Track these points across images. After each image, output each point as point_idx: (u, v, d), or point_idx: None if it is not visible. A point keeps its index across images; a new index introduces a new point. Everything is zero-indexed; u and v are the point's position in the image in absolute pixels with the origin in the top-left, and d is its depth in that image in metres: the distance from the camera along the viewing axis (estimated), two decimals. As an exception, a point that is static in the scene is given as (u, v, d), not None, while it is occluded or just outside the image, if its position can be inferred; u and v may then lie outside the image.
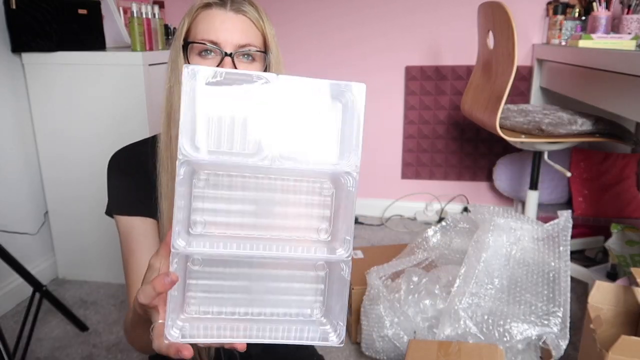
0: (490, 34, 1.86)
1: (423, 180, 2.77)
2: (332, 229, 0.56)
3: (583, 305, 1.71)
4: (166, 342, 0.52)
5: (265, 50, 0.85)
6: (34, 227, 1.99)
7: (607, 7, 2.02)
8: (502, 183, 2.57)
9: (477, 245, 1.44)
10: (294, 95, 0.53)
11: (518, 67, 1.75)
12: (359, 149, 0.53)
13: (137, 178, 0.88)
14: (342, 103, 0.53)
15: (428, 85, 2.61)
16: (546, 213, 2.31)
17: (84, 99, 1.88)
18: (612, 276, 1.81)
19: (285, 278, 0.57)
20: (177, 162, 0.52)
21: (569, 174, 1.88)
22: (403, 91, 2.66)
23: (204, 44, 0.81)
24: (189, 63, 0.82)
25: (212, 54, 0.81)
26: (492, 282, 1.40)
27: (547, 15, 2.39)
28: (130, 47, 1.96)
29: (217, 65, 0.80)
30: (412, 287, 1.46)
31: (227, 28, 0.80)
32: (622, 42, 1.73)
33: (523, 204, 2.44)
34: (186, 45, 0.82)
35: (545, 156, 1.93)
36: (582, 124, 1.73)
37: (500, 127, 1.76)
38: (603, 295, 1.32)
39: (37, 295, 1.60)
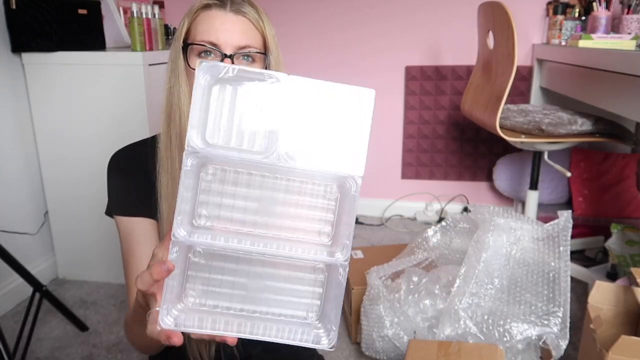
0: (490, 34, 1.86)
1: (423, 180, 2.77)
2: (334, 232, 0.56)
3: (583, 305, 1.71)
4: (159, 328, 0.53)
5: (265, 52, 0.85)
6: (34, 227, 1.99)
7: (607, 7, 2.02)
8: (502, 183, 2.57)
9: (477, 245, 1.44)
10: (303, 95, 0.53)
11: (518, 67, 1.75)
12: (364, 155, 0.53)
13: (137, 178, 0.88)
14: (351, 107, 0.53)
15: (428, 85, 2.61)
16: (546, 213, 2.31)
17: (84, 99, 1.88)
18: (612, 276, 1.81)
19: (284, 278, 0.57)
20: (184, 153, 0.53)
21: (569, 174, 1.88)
22: (403, 91, 2.66)
23: (203, 45, 0.81)
24: (188, 64, 0.82)
25: (212, 55, 0.81)
26: (492, 282, 1.40)
27: (547, 15, 2.39)
28: (130, 47, 1.96)
29: None
30: (412, 287, 1.46)
31: (227, 29, 0.80)
32: (622, 42, 1.73)
33: (523, 204, 2.44)
34: (186, 46, 0.82)
35: (545, 156, 1.93)
36: (582, 124, 1.73)
37: (500, 127, 1.76)
38: (603, 295, 1.32)
39: (37, 295, 1.60)
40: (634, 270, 1.29)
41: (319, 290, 0.57)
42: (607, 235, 1.96)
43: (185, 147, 0.53)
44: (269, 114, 0.53)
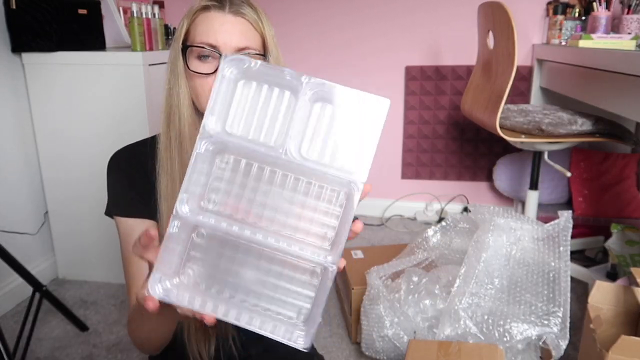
0: (490, 34, 1.86)
1: (423, 180, 2.77)
2: (335, 238, 0.57)
3: (583, 305, 1.71)
4: (147, 294, 0.57)
5: (264, 53, 0.85)
6: (34, 227, 1.99)
7: (607, 7, 2.02)
8: (502, 183, 2.57)
9: (477, 245, 1.44)
10: (320, 98, 0.55)
11: (518, 67, 1.75)
12: (370, 163, 0.55)
13: (137, 179, 0.88)
14: (364, 114, 0.55)
15: (428, 85, 2.61)
16: (546, 213, 2.31)
17: (84, 99, 1.88)
18: (612, 276, 1.81)
19: (278, 275, 0.58)
20: (197, 137, 0.55)
21: (569, 174, 1.88)
22: (403, 91, 2.66)
23: (202, 47, 0.81)
24: (187, 66, 0.82)
25: (210, 57, 0.81)
26: (492, 282, 1.40)
27: (547, 15, 2.39)
28: (130, 47, 1.96)
29: (216, 68, 0.81)
30: (412, 287, 1.46)
31: (225, 30, 0.80)
32: (622, 42, 1.73)
33: (523, 204, 2.44)
34: (185, 48, 0.82)
35: (545, 156, 1.93)
36: (582, 124, 1.73)
37: (500, 127, 1.76)
38: (603, 295, 1.32)
39: (37, 295, 1.60)
40: (634, 270, 1.29)
41: (311, 294, 0.57)
42: (607, 235, 1.96)
43: (200, 131, 0.55)
44: (286, 112, 0.56)
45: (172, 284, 0.57)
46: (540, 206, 2.24)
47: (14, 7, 1.75)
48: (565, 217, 1.41)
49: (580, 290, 1.93)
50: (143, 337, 0.82)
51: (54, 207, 2.02)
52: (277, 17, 2.66)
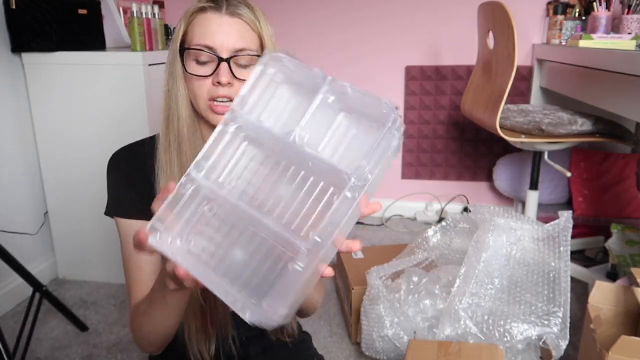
0: (490, 34, 1.86)
1: (423, 180, 2.77)
2: (322, 228, 0.56)
3: (583, 305, 1.71)
4: (143, 234, 0.58)
5: (262, 54, 0.85)
6: (34, 227, 1.99)
7: (607, 7, 2.02)
8: (502, 183, 2.57)
9: (477, 245, 1.44)
10: (343, 101, 0.57)
11: (518, 67, 1.75)
12: (375, 170, 0.56)
13: (137, 179, 0.88)
14: (383, 124, 0.57)
15: (428, 85, 2.61)
16: (546, 213, 2.31)
17: (84, 99, 1.88)
18: (612, 276, 1.81)
19: (261, 259, 0.57)
20: (224, 115, 0.59)
21: (569, 174, 1.88)
22: (403, 91, 2.66)
23: (199, 49, 0.80)
24: (185, 68, 0.82)
25: (208, 59, 0.81)
26: (492, 282, 1.40)
27: (547, 15, 2.39)
28: (130, 47, 1.96)
29: (214, 71, 0.81)
30: (412, 287, 1.46)
31: (222, 32, 0.80)
32: (622, 42, 1.73)
33: (523, 204, 2.44)
34: (182, 50, 0.82)
35: (545, 156, 1.93)
36: (582, 124, 1.73)
37: (500, 127, 1.76)
38: (603, 295, 1.32)
39: (37, 295, 1.60)
40: (634, 270, 1.29)
41: (278, 279, 0.55)
42: (607, 235, 1.96)
43: (231, 108, 0.59)
44: (299, 103, 0.59)
45: (179, 245, 0.59)
46: (540, 206, 2.24)
47: (14, 7, 1.75)
48: (565, 217, 1.41)
49: (580, 290, 1.93)
50: (149, 330, 0.80)
51: (53, 207, 2.02)
52: (277, 17, 2.66)
